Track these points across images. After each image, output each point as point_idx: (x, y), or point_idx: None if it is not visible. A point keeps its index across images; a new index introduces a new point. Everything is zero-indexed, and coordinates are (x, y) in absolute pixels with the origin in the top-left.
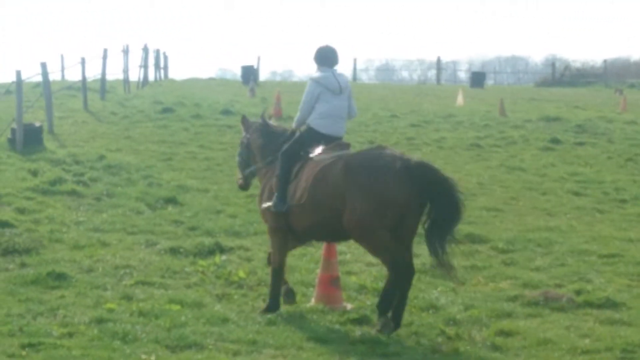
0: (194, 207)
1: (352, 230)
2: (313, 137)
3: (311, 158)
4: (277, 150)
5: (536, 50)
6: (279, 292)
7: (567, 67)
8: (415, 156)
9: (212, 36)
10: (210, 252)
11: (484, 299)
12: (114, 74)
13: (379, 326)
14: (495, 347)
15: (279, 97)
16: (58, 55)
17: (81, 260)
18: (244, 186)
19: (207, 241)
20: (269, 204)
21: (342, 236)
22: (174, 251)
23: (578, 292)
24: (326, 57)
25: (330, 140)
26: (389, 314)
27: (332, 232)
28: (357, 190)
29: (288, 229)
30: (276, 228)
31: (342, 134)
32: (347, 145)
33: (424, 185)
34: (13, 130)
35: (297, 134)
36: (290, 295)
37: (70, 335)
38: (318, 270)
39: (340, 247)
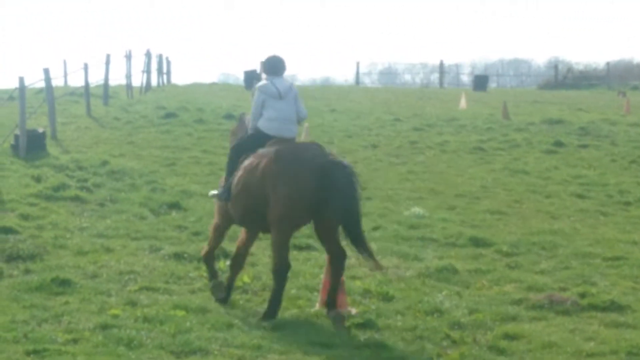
0: (197, 212)
1: (271, 215)
2: (261, 138)
3: (255, 151)
4: None
5: (539, 52)
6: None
7: (569, 69)
8: (340, 157)
9: (214, 41)
10: (214, 257)
11: (489, 302)
12: (117, 79)
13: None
14: (500, 351)
15: None
16: (61, 60)
17: (85, 266)
18: None
19: None
20: (214, 192)
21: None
22: (178, 256)
23: (582, 295)
24: (273, 67)
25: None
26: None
27: (263, 220)
28: (281, 177)
29: (230, 218)
30: (221, 216)
31: (291, 136)
32: (292, 141)
33: (333, 182)
34: (16, 137)
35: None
36: (220, 289)
37: (75, 341)
38: (322, 275)
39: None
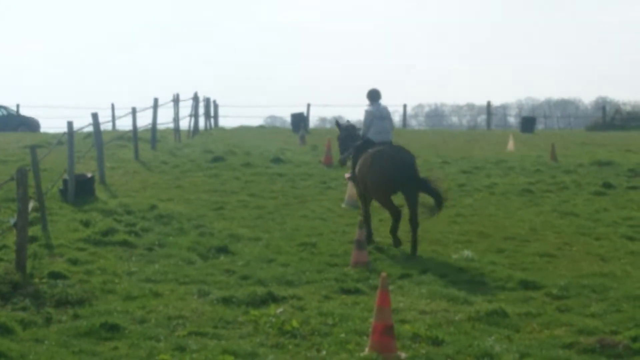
0: (245, 256)
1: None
2: (370, 143)
3: (366, 151)
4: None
5: (585, 93)
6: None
7: (617, 110)
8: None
9: (260, 83)
10: (263, 302)
11: (539, 346)
12: (165, 123)
13: None
14: None
15: (329, 145)
16: (109, 105)
17: (134, 311)
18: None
19: (260, 290)
20: (347, 175)
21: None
22: (226, 301)
23: (634, 339)
24: (374, 96)
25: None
26: None
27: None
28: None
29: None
30: (358, 188)
31: (389, 140)
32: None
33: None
34: (65, 181)
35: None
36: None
37: None
38: (372, 319)
39: (394, 295)
